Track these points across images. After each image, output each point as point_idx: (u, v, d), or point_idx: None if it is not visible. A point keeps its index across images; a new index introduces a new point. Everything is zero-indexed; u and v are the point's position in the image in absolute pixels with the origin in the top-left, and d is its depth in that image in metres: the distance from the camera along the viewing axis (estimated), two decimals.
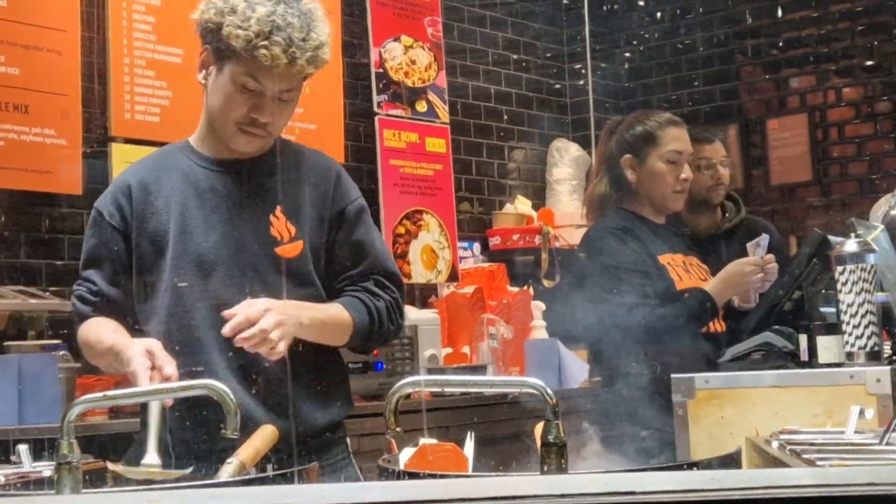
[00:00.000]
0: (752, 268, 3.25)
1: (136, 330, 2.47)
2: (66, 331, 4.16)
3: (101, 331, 2.45)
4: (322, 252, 2.51)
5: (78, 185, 4.49)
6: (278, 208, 2.47)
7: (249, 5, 2.37)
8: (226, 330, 2.29)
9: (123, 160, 4.65)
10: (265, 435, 2.01)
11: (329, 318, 2.45)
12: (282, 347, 2.30)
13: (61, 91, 4.46)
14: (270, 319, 2.28)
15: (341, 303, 2.48)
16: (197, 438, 2.37)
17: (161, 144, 4.76)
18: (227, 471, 1.93)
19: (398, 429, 1.61)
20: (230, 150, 2.50)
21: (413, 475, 1.65)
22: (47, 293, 4.18)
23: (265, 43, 2.34)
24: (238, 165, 2.51)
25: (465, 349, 5.15)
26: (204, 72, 2.48)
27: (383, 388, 4.24)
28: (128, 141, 4.69)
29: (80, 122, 4.51)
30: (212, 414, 2.25)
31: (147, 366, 2.22)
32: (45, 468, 1.95)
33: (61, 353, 3.78)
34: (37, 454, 2.08)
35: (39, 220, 4.42)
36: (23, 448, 2.04)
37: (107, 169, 4.59)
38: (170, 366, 2.23)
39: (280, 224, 2.46)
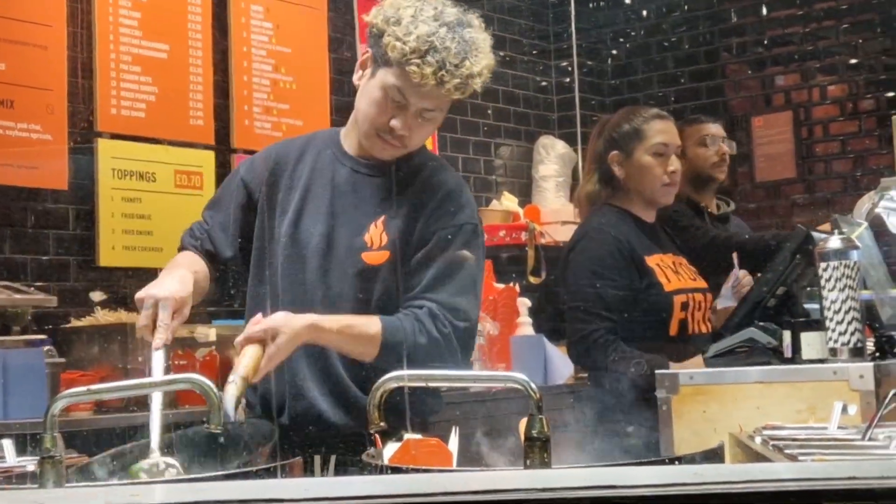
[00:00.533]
0: None
1: (219, 280, 2.64)
2: (50, 326, 4.15)
3: (173, 264, 2.56)
4: (404, 267, 2.50)
5: (63, 181, 4.48)
6: (382, 217, 2.52)
7: (414, 21, 2.41)
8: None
9: (109, 155, 4.65)
10: (252, 353, 2.19)
11: (349, 329, 2.43)
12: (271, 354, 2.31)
13: (47, 86, 4.44)
14: (256, 328, 2.32)
15: (381, 318, 2.46)
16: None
17: (147, 140, 4.84)
18: (231, 391, 2.00)
19: (382, 423, 1.61)
20: (366, 150, 2.57)
21: (397, 470, 1.65)
22: (32, 288, 4.17)
23: (418, 61, 2.38)
24: (368, 166, 2.58)
25: None
26: (361, 72, 2.56)
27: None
28: (114, 136, 4.68)
29: (66, 118, 4.50)
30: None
31: (148, 320, 2.30)
32: (29, 463, 1.95)
33: (46, 348, 3.76)
34: (21, 449, 2.07)
35: (25, 216, 4.41)
36: (6, 443, 2.04)
37: (93, 164, 4.59)
38: (165, 333, 2.28)
39: (376, 232, 2.51)
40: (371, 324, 2.43)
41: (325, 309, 2.47)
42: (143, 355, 3.93)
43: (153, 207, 4.75)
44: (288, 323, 2.33)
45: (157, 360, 2.22)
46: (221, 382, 2.17)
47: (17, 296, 3.99)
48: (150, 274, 4.73)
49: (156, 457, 1.92)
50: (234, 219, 2.63)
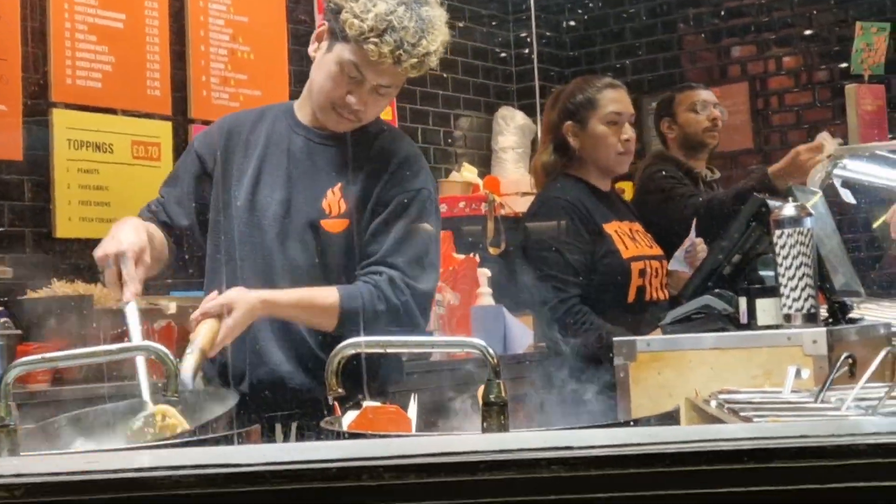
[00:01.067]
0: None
1: (178, 250, 2.61)
2: (6, 298, 4.10)
3: (125, 219, 2.50)
4: (362, 233, 2.51)
5: (18, 151, 4.43)
6: (339, 184, 2.53)
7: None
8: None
9: (65, 126, 4.59)
10: (209, 326, 2.23)
11: (304, 301, 2.44)
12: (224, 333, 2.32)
13: (0, 56, 4.37)
14: (211, 304, 2.33)
15: (339, 288, 2.46)
16: None
17: (104, 110, 4.79)
18: (188, 361, 2.01)
19: (340, 390, 1.60)
20: (320, 120, 2.58)
21: (356, 436, 1.65)
22: None
23: (376, 40, 2.39)
24: (323, 136, 2.58)
25: None
26: (316, 45, 2.55)
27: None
28: (69, 106, 4.63)
29: (20, 87, 4.43)
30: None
31: (114, 277, 2.27)
32: None
33: (2, 319, 3.72)
34: None
35: None
36: None
37: (48, 134, 4.53)
38: (133, 285, 2.26)
39: (334, 199, 2.52)
40: (328, 294, 2.44)
41: (285, 276, 2.49)
42: (100, 325, 3.91)
43: (110, 178, 4.71)
44: (243, 298, 2.34)
45: (132, 313, 2.20)
46: (179, 353, 2.16)
47: None
48: None
49: (150, 407, 1.92)
50: (190, 190, 2.62)
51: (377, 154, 2.56)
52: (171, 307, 4.27)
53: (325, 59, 2.50)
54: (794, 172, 3.69)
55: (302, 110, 2.63)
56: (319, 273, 2.49)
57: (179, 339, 4.17)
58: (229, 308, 2.30)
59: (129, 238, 2.33)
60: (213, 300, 2.32)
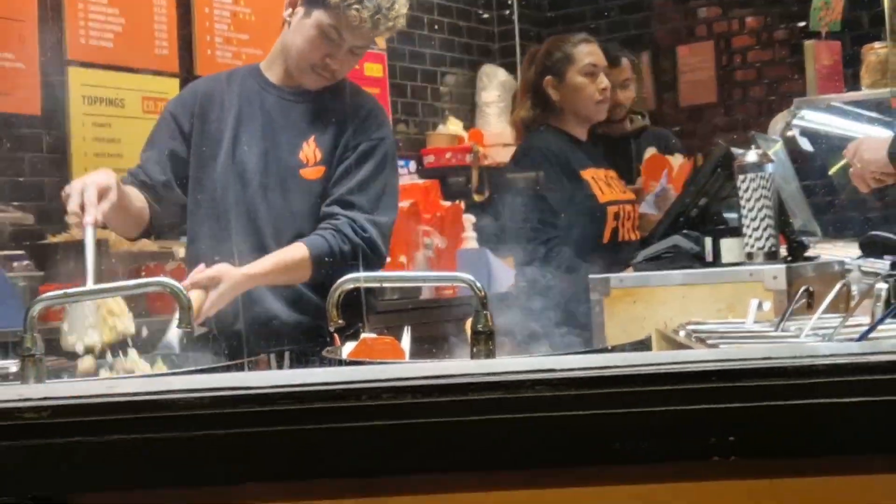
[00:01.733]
0: None
1: (161, 206, 2.54)
2: (28, 242, 4.09)
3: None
4: (332, 178, 2.54)
5: (37, 106, 4.40)
6: (312, 136, 2.55)
7: None
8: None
9: (80, 83, 4.56)
10: (195, 296, 2.21)
11: (279, 264, 2.44)
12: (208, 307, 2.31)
13: (18, 17, 4.33)
14: (200, 276, 2.31)
15: (305, 241, 2.47)
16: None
17: (116, 68, 4.74)
18: (173, 328, 2.00)
19: (340, 321, 1.61)
20: (293, 80, 2.57)
21: (355, 363, 1.66)
22: (10, 207, 4.11)
23: (357, 6, 2.42)
24: (293, 93, 2.58)
25: (402, 258, 5.15)
26: (291, 10, 2.54)
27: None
28: (83, 65, 4.60)
29: (37, 47, 4.39)
30: None
31: (76, 205, 2.19)
32: (11, 365, 1.93)
33: (25, 262, 3.72)
34: (3, 356, 2.05)
35: (1, 140, 4.32)
36: None
37: (64, 91, 4.51)
38: (93, 210, 2.19)
39: (310, 150, 2.54)
40: (296, 250, 2.45)
41: (268, 223, 2.49)
42: (115, 267, 3.91)
43: (122, 132, 4.68)
44: (228, 273, 2.34)
45: (89, 236, 2.15)
46: None
47: None
48: None
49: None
50: (167, 150, 2.58)
51: (344, 107, 2.58)
52: (181, 251, 4.27)
53: (303, 23, 2.50)
54: None
55: (271, 70, 2.62)
56: (301, 217, 2.51)
57: None
58: (216, 281, 2.30)
59: (96, 177, 2.26)
60: (201, 273, 2.32)
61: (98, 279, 1.93)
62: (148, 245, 4.27)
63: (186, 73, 5.00)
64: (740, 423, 1.06)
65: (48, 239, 4.21)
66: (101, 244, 4.00)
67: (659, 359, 1.14)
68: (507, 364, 1.15)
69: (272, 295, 2.50)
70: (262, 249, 2.46)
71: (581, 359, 1.22)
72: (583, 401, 1.08)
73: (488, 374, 1.11)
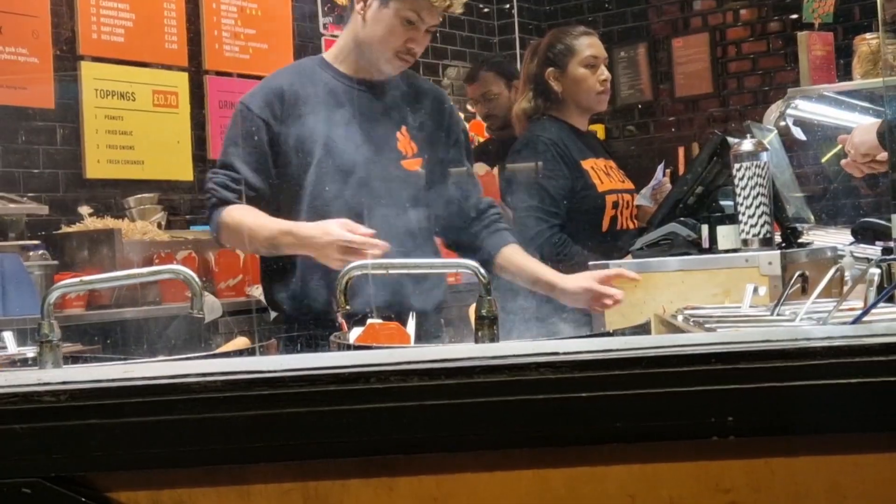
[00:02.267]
0: None
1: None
2: (43, 232, 4.10)
3: (256, 216, 2.43)
4: (436, 170, 2.60)
5: (51, 100, 4.41)
6: (404, 127, 2.57)
7: None
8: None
9: (92, 77, 4.56)
10: (238, 343, 2.07)
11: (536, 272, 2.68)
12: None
13: (32, 13, 4.33)
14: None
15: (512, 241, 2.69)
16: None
17: (127, 63, 4.74)
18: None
19: (348, 307, 1.61)
20: (369, 70, 2.56)
21: (362, 348, 1.66)
22: (25, 198, 4.11)
23: None
24: (371, 85, 2.58)
25: None
26: (363, 3, 2.52)
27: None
28: (95, 59, 4.60)
29: (51, 42, 4.39)
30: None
31: (345, 230, 2.23)
32: (29, 351, 1.93)
33: (40, 252, 3.72)
34: (20, 342, 2.05)
35: (16, 133, 4.32)
36: (7, 334, 2.02)
37: (77, 85, 4.51)
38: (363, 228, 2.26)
39: (405, 140, 2.56)
40: (515, 253, 2.67)
41: (374, 218, 2.46)
42: (127, 255, 3.91)
43: (134, 124, 4.69)
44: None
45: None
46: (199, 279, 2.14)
47: (12, 205, 3.94)
48: (132, 184, 4.70)
49: None
50: (263, 153, 2.48)
51: (417, 94, 2.64)
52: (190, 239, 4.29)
53: (382, 13, 2.49)
54: None
55: (344, 64, 2.58)
56: (407, 209, 2.52)
57: (199, 268, 4.18)
58: None
59: (343, 228, 2.27)
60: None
61: (113, 269, 1.93)
62: (160, 234, 4.28)
63: (195, 67, 5.00)
64: (738, 404, 1.06)
65: (62, 229, 4.21)
66: (112, 233, 4.01)
67: (660, 342, 1.14)
68: (512, 347, 1.15)
69: None
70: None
71: (584, 342, 1.22)
72: (586, 383, 1.08)
73: (494, 357, 1.11)
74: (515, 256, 2.67)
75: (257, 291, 4.08)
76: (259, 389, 1.10)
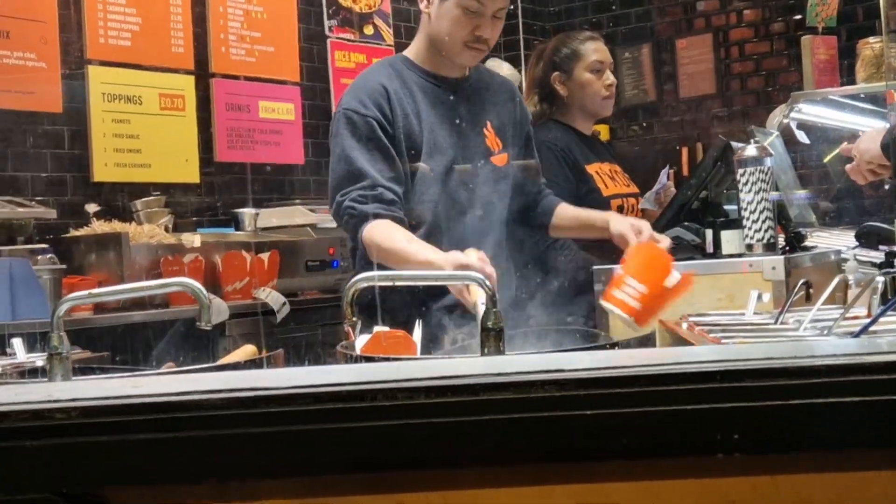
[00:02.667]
0: None
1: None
2: (51, 236, 4.10)
3: (393, 241, 2.32)
4: (514, 163, 2.63)
5: (58, 104, 4.41)
6: (488, 122, 2.60)
7: None
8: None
9: (99, 81, 4.56)
10: (246, 351, 2.06)
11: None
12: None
13: (40, 18, 4.33)
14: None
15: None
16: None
17: (134, 66, 4.74)
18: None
19: (354, 318, 1.61)
20: (448, 67, 2.58)
21: (368, 359, 1.66)
22: (34, 202, 4.12)
23: None
24: (453, 81, 2.60)
25: None
26: (426, 2, 2.55)
27: (339, 283, 4.24)
28: (102, 63, 4.60)
29: (58, 47, 4.40)
30: None
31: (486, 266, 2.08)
32: (38, 359, 1.93)
33: (48, 255, 3.73)
34: (29, 347, 2.05)
35: (24, 137, 4.33)
36: (17, 341, 2.02)
37: (84, 89, 4.51)
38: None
39: (491, 137, 2.60)
40: (566, 208, 2.81)
41: (475, 214, 2.49)
42: (134, 258, 3.90)
43: (141, 128, 4.69)
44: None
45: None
46: (206, 284, 2.15)
47: (20, 209, 3.94)
48: (139, 187, 4.70)
49: None
50: (392, 164, 2.44)
51: (494, 89, 2.67)
52: (196, 241, 4.27)
53: (445, 7, 2.51)
54: None
55: (427, 63, 2.59)
56: (501, 204, 2.56)
57: (206, 271, 4.18)
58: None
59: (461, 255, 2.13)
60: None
61: (120, 272, 1.93)
62: (167, 237, 4.28)
63: (201, 70, 5.00)
64: (744, 422, 1.06)
65: (70, 233, 4.22)
66: (119, 237, 4.01)
67: (664, 358, 1.14)
68: (517, 364, 1.15)
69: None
70: (463, 242, 2.30)
71: (589, 356, 1.22)
72: (591, 400, 1.08)
73: (499, 375, 1.11)
74: (568, 210, 2.80)
75: (264, 294, 4.08)
76: (265, 407, 1.10)
